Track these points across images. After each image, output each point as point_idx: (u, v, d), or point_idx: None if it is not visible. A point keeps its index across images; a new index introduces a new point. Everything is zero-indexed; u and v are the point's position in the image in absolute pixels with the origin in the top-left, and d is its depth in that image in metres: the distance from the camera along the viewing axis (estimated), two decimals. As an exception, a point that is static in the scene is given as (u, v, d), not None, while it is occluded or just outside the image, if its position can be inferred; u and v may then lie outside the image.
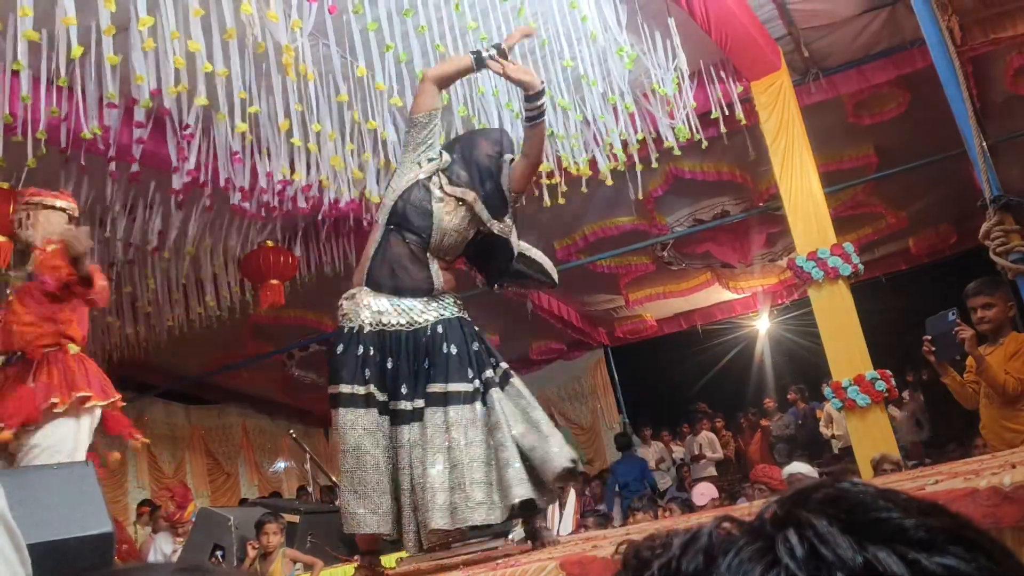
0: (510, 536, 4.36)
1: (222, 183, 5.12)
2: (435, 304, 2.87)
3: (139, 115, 4.52)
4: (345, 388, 2.67)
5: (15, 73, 3.95)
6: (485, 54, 2.92)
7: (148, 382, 9.94)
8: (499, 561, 2.54)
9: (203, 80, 4.08)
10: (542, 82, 2.92)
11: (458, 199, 2.93)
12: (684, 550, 0.54)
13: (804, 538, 0.49)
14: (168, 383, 10.25)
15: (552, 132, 5.53)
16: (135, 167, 4.73)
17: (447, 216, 2.90)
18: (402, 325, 2.79)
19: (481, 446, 2.70)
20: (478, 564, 2.62)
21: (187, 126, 4.57)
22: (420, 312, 2.83)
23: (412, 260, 2.86)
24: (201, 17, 3.79)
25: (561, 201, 6.24)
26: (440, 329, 2.82)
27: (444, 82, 3.08)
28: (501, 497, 2.65)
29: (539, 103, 2.89)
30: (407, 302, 2.83)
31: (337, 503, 2.62)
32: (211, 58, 3.97)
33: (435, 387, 2.73)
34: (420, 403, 2.71)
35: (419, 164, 2.92)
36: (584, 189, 6.11)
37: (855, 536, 0.48)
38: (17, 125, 4.16)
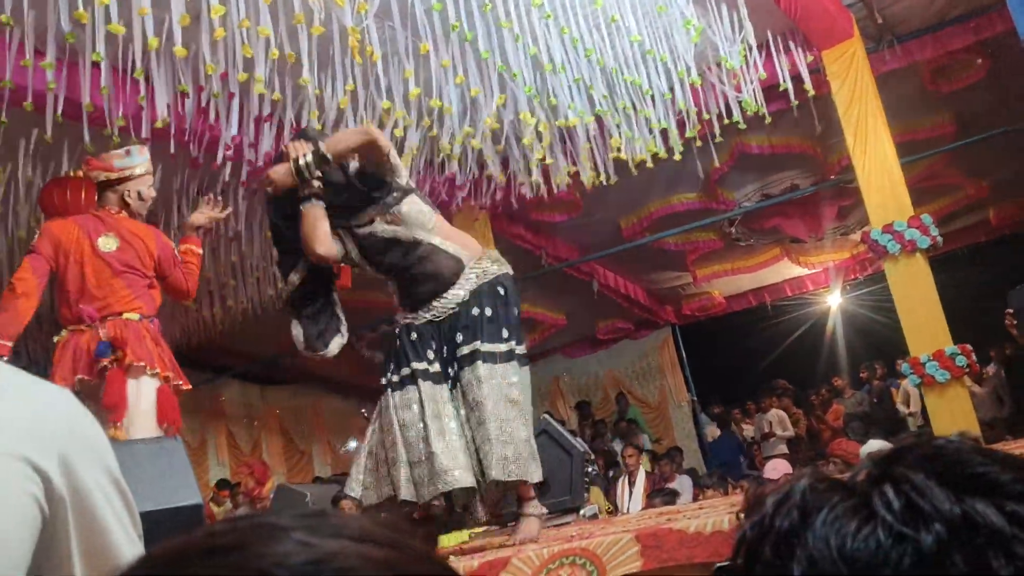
0: (581, 512, 4.39)
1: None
2: None
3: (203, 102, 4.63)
4: None
5: (95, 64, 4.07)
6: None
7: (224, 364, 10.21)
8: (573, 534, 2.57)
9: (271, 66, 4.17)
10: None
11: None
12: (777, 508, 0.55)
13: (901, 492, 0.49)
14: (243, 364, 10.52)
15: (616, 107, 5.49)
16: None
17: None
18: None
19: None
20: (552, 538, 2.65)
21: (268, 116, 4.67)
22: None
23: None
24: (269, 5, 3.88)
25: (607, 178, 6.19)
26: None
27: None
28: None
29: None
30: None
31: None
32: (280, 44, 4.06)
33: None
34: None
35: None
36: (649, 164, 6.04)
37: (953, 489, 0.48)
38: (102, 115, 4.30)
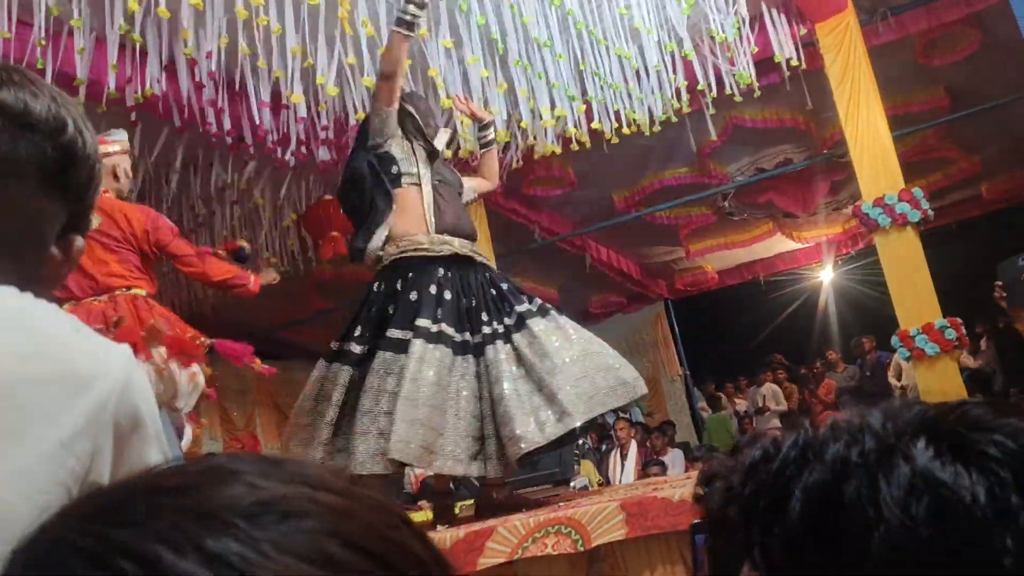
0: (571, 484, 4.42)
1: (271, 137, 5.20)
2: None
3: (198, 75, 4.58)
4: None
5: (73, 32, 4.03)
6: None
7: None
8: (561, 504, 2.58)
9: (260, 38, 4.13)
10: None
11: None
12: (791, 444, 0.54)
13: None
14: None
15: (608, 83, 5.45)
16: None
17: None
18: None
19: None
20: (540, 507, 2.66)
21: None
22: None
23: None
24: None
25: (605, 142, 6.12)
26: None
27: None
28: None
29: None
30: None
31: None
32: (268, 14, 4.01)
33: None
34: None
35: None
36: (649, 133, 5.98)
37: None
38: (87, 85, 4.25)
